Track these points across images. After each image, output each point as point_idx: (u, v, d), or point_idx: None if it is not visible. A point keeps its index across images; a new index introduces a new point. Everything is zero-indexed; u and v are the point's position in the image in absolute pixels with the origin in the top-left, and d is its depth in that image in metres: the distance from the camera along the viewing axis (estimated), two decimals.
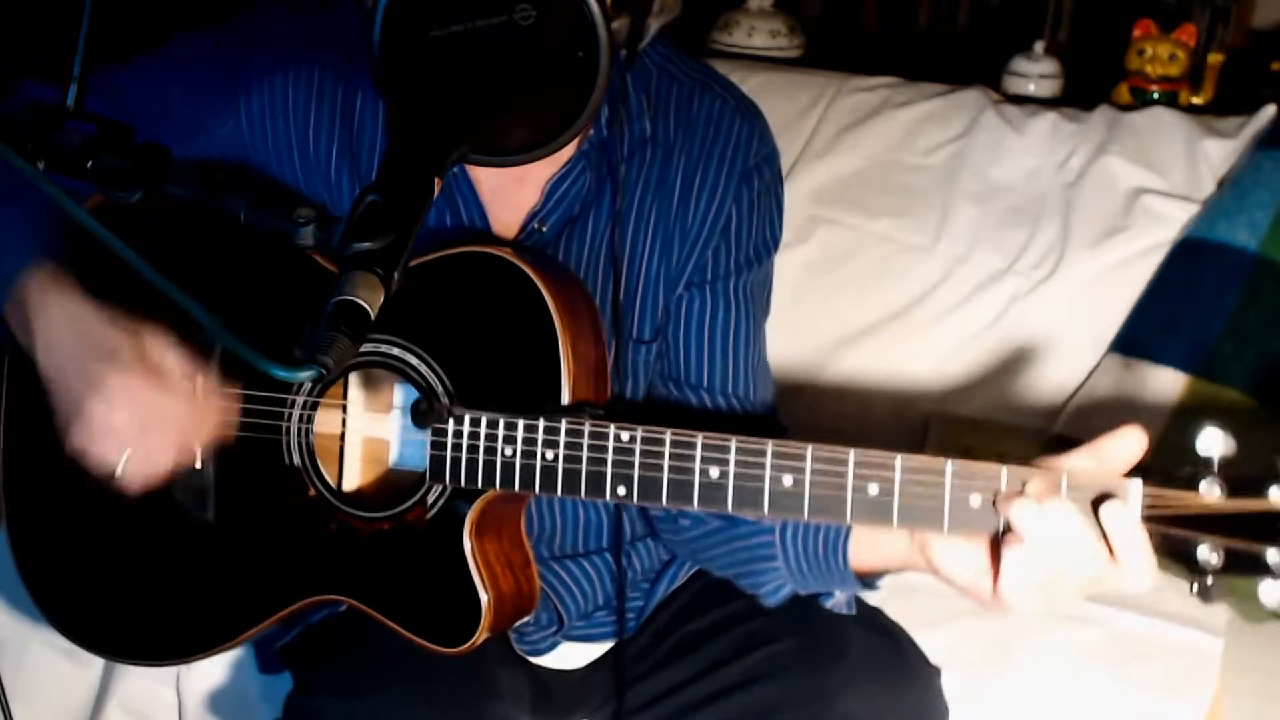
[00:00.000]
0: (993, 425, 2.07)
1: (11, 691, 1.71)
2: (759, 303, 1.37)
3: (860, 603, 1.32)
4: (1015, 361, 2.10)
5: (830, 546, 1.20)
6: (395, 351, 1.20)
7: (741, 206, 1.32)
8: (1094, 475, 1.00)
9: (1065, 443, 2.07)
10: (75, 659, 1.71)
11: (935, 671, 1.29)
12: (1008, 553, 1.00)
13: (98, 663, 1.71)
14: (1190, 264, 2.03)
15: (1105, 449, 1.02)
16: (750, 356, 1.36)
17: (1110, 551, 0.99)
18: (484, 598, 1.18)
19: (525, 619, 1.29)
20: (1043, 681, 1.64)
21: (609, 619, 1.41)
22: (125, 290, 1.21)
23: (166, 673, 1.65)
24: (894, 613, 1.33)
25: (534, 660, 1.41)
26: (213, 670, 1.61)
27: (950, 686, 1.29)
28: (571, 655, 1.43)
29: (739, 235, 1.33)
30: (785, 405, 1.42)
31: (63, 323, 1.18)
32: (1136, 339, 2.02)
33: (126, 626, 1.33)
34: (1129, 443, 1.01)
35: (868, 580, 1.22)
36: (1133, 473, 1.00)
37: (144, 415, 1.14)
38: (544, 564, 1.36)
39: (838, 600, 1.27)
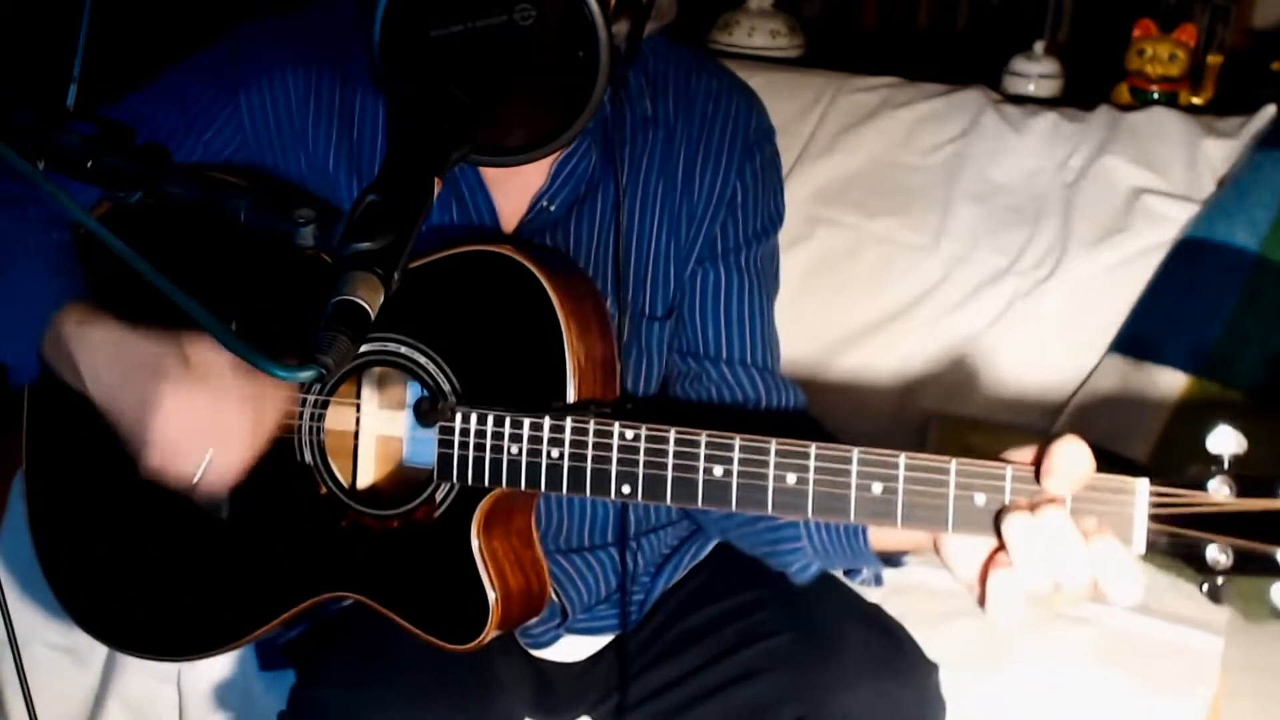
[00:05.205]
0: (993, 425, 2.07)
1: (12, 691, 1.72)
2: (769, 276, 1.39)
3: (860, 600, 1.32)
4: (1015, 361, 2.10)
5: (850, 528, 1.20)
6: (403, 350, 1.21)
7: (746, 180, 1.34)
8: (1099, 481, 0.97)
9: None
10: (76, 658, 1.71)
11: (933, 668, 1.29)
12: (994, 574, 0.99)
13: (98, 662, 1.72)
14: (1190, 264, 2.03)
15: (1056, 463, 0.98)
16: (765, 327, 1.37)
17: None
18: (491, 596, 1.19)
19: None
20: (1041, 680, 1.64)
21: (611, 612, 1.42)
22: (139, 302, 1.22)
23: (167, 670, 1.65)
24: (893, 610, 1.34)
25: (536, 653, 1.42)
26: (214, 668, 1.61)
27: (948, 683, 1.30)
28: (573, 648, 1.43)
29: (745, 210, 1.35)
30: None
31: (103, 351, 1.17)
32: (1137, 339, 2.02)
33: (142, 621, 1.34)
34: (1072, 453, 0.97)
35: (892, 559, 1.21)
36: (1139, 472, 0.98)
37: (209, 415, 1.11)
38: (550, 557, 1.36)
39: (866, 576, 1.26)
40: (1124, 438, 1.95)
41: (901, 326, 2.17)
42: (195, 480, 1.13)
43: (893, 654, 1.27)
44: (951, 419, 2.09)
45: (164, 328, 1.15)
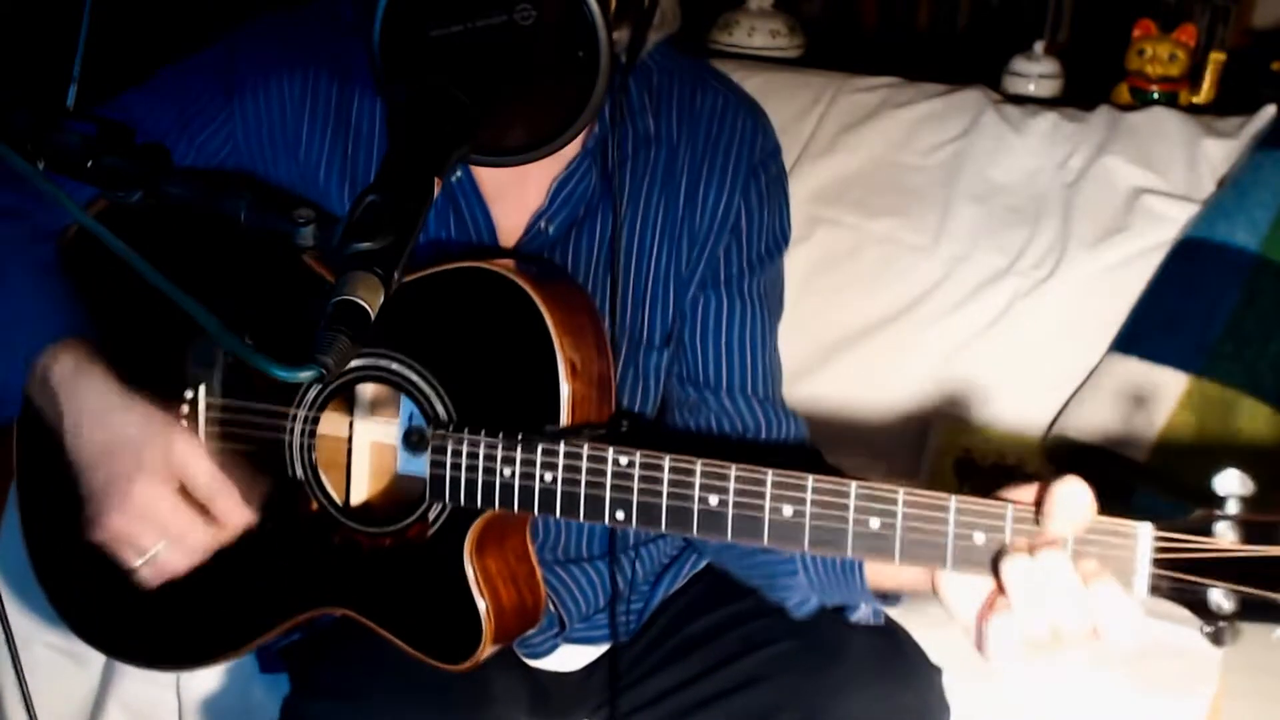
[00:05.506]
0: (993, 426, 2.07)
1: (12, 692, 1.72)
2: (773, 301, 1.37)
3: None
4: (1015, 361, 2.10)
5: (847, 566, 1.19)
6: (395, 367, 1.19)
7: (750, 202, 1.32)
8: (1101, 524, 0.95)
9: (1066, 443, 2.07)
10: (76, 660, 1.71)
11: (936, 671, 1.29)
12: (992, 618, 0.97)
13: (98, 664, 1.71)
14: (1190, 264, 2.03)
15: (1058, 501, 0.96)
16: (767, 355, 1.35)
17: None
18: (484, 616, 1.18)
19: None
20: (1042, 681, 1.63)
21: (608, 621, 1.41)
22: (132, 311, 1.21)
23: (167, 675, 1.64)
24: (895, 612, 1.33)
25: (533, 663, 1.41)
26: (213, 670, 1.60)
27: (951, 687, 1.29)
28: (570, 657, 1.43)
29: (749, 233, 1.32)
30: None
31: (91, 413, 1.16)
32: (1136, 339, 2.02)
33: (135, 631, 1.33)
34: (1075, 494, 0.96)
35: (888, 597, 1.21)
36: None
37: (166, 529, 1.14)
38: (547, 568, 1.35)
39: (863, 613, 1.25)
40: (1124, 438, 1.95)
41: (901, 326, 2.17)
42: (136, 565, 1.16)
43: (895, 658, 1.27)
44: (951, 419, 2.09)
45: (155, 403, 1.16)
